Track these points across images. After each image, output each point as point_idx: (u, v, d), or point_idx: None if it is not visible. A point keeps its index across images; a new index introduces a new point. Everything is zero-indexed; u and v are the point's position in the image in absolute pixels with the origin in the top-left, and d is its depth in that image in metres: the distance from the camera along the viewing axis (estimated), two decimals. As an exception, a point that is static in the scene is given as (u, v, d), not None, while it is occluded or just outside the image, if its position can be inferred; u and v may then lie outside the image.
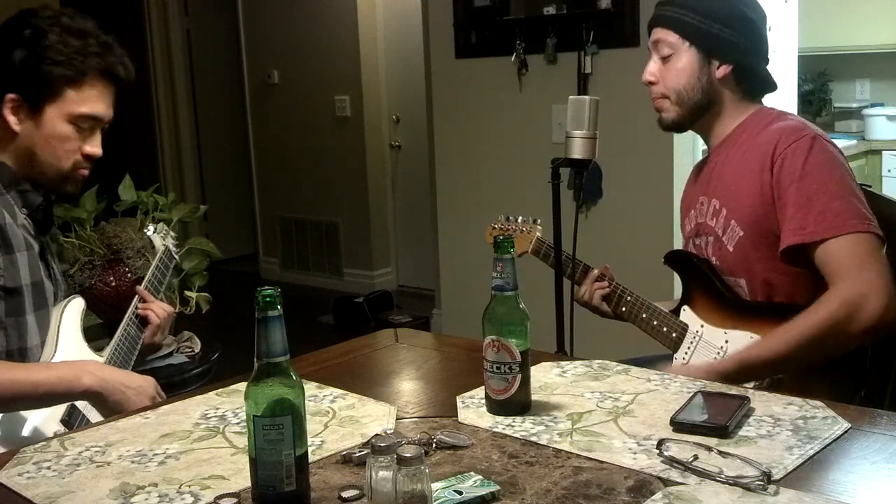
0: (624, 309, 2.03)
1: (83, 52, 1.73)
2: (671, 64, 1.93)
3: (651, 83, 1.97)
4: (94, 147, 1.79)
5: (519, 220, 2.21)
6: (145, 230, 2.33)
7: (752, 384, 1.81)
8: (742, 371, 1.77)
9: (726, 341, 1.88)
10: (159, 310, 1.96)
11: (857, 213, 1.76)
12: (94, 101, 1.76)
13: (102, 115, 1.77)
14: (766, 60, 1.97)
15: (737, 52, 1.90)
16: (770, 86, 1.99)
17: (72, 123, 1.74)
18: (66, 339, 1.79)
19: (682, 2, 1.92)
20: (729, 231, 1.89)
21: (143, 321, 1.94)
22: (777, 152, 1.82)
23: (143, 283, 2.01)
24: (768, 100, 2.03)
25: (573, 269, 2.08)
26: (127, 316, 1.90)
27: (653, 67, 1.96)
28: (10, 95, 1.71)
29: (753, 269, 1.87)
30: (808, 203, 1.77)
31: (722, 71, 1.91)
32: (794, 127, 1.86)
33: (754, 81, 1.96)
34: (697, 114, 1.96)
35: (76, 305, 1.86)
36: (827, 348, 1.74)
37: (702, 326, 1.93)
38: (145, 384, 1.70)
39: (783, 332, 1.77)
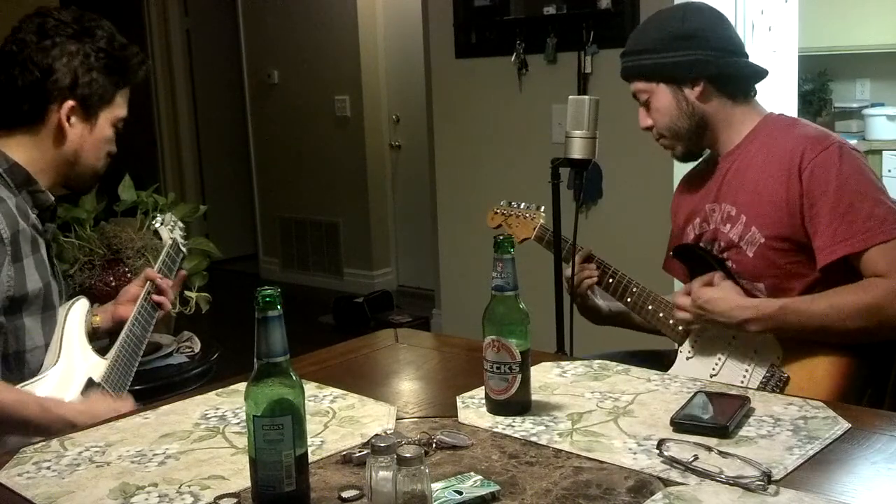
0: (629, 300, 2.02)
1: (130, 59, 1.82)
2: (652, 106, 1.97)
3: (647, 128, 2.01)
4: (114, 146, 1.87)
5: (522, 206, 2.19)
6: (153, 222, 2.31)
7: (756, 384, 1.81)
8: (778, 315, 1.77)
9: (734, 336, 1.88)
10: (171, 294, 1.98)
11: None
12: (126, 103, 1.86)
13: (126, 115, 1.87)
14: (740, 55, 1.96)
15: (699, 66, 1.90)
16: (756, 76, 1.97)
17: (113, 126, 1.83)
18: (70, 344, 1.78)
19: (633, 48, 1.97)
20: (748, 237, 1.88)
21: (153, 310, 1.94)
22: (805, 161, 1.81)
23: (156, 267, 2.00)
24: (769, 103, 2.03)
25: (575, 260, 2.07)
26: (131, 316, 1.89)
27: (642, 114, 2.00)
28: (70, 103, 1.75)
29: (775, 274, 1.86)
30: (850, 212, 1.77)
31: (696, 90, 1.92)
32: (818, 136, 1.85)
33: (737, 81, 1.95)
34: (698, 136, 1.96)
35: (80, 307, 1.85)
36: (862, 329, 1.74)
37: None
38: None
39: (829, 296, 1.77)
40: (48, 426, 1.62)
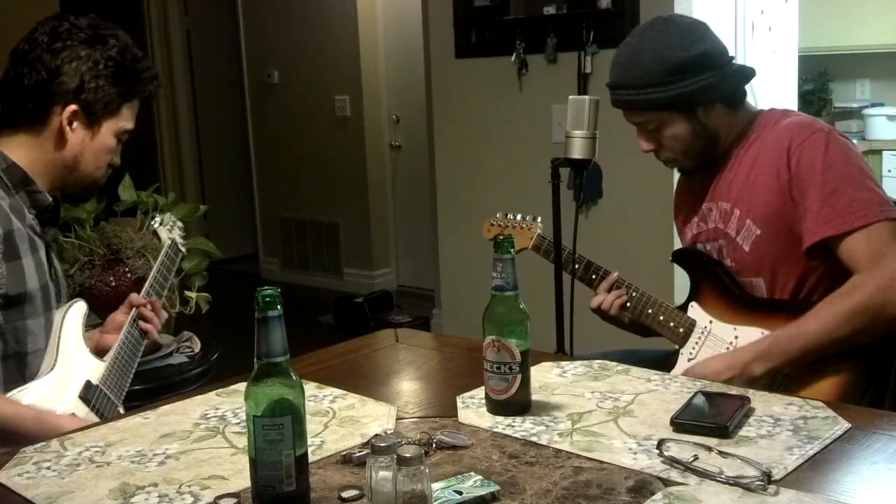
0: (628, 304, 2.02)
1: (141, 73, 1.82)
2: (663, 132, 1.92)
3: (651, 151, 1.98)
4: (118, 158, 1.87)
5: (518, 217, 2.19)
6: (152, 222, 2.31)
7: (760, 384, 1.80)
8: (774, 347, 1.77)
9: (736, 337, 1.88)
10: (157, 322, 1.93)
11: (882, 201, 1.78)
12: (133, 116, 1.85)
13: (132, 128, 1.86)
14: (731, 59, 1.95)
15: (715, 89, 1.88)
16: (748, 77, 1.96)
17: (116, 137, 1.82)
18: (67, 347, 1.77)
19: (633, 83, 1.89)
20: (744, 231, 1.88)
21: (141, 335, 1.91)
22: (793, 147, 1.82)
23: (144, 289, 1.96)
24: (769, 103, 2.03)
25: (574, 267, 2.07)
26: (129, 318, 1.88)
27: (646, 139, 1.96)
28: (72, 108, 1.74)
29: (772, 266, 1.87)
30: (834, 195, 1.77)
31: (711, 112, 1.90)
32: (805, 123, 1.86)
33: (738, 90, 1.95)
34: (710, 150, 1.95)
35: (77, 311, 1.84)
36: (860, 331, 1.73)
37: (710, 322, 1.93)
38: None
39: (816, 311, 1.76)
40: (45, 437, 1.62)
